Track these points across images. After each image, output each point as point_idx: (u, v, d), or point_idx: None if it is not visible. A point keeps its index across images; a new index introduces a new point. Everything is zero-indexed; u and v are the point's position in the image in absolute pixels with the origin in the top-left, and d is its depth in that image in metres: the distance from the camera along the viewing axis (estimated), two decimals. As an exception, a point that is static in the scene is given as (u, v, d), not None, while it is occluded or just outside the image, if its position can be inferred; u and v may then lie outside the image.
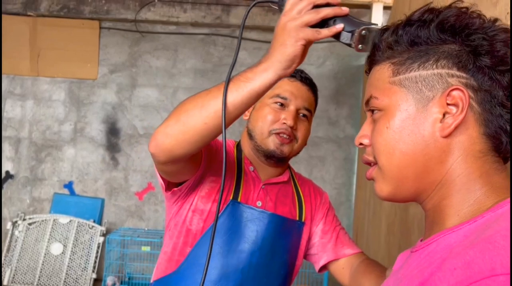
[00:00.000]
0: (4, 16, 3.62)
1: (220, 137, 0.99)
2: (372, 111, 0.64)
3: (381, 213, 2.49)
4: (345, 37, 0.78)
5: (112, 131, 3.84)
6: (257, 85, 0.84)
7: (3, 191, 3.77)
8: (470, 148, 0.57)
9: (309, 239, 1.26)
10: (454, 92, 0.56)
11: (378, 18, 2.95)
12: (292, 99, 1.17)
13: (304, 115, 1.20)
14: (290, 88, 1.18)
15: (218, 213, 0.86)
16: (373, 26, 0.77)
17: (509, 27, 0.59)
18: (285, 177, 1.25)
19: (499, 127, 0.57)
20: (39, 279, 3.48)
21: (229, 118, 0.86)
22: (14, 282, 3.44)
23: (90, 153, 3.83)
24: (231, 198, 1.14)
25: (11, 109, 3.82)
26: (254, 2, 0.87)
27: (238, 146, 1.26)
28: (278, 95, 1.17)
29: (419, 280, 0.52)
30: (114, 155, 3.83)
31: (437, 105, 0.57)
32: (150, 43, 3.85)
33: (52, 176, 3.83)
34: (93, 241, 3.64)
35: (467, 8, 0.60)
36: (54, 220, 3.66)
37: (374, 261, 1.23)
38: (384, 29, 0.64)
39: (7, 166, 3.80)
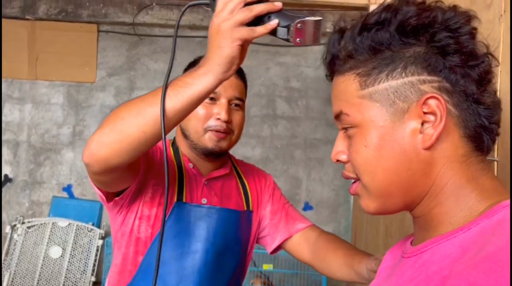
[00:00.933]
0: (2, 20, 3.63)
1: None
2: (345, 128, 0.61)
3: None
4: (281, 32, 0.76)
5: (111, 134, 3.84)
6: (197, 91, 0.80)
7: (1, 195, 3.77)
8: (453, 154, 0.55)
9: (259, 224, 1.25)
10: (430, 101, 0.53)
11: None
12: (222, 92, 1.14)
13: (236, 105, 1.17)
14: None
15: (164, 218, 0.83)
16: (307, 18, 0.75)
17: (469, 10, 0.56)
18: (226, 169, 1.23)
19: (478, 126, 0.55)
20: (38, 283, 3.47)
21: (168, 125, 0.82)
22: None
23: (88, 156, 3.83)
24: (175, 199, 1.11)
25: (9, 113, 3.82)
26: (187, 5, 0.85)
27: (174, 144, 1.22)
28: None
29: None
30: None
31: (413, 116, 0.54)
32: (148, 46, 3.86)
33: (51, 179, 3.83)
34: (92, 244, 3.64)
35: (424, 1, 0.56)
36: (53, 224, 3.66)
37: (332, 234, 1.21)
38: (341, 35, 0.60)
39: (5, 170, 3.80)
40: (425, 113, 0.54)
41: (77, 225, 3.66)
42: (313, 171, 3.78)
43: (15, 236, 3.62)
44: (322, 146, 3.79)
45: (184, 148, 1.20)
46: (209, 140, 1.13)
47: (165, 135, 0.82)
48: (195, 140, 1.15)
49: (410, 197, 0.57)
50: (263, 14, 0.77)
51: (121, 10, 3.71)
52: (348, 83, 0.59)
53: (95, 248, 3.62)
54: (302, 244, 1.21)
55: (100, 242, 3.62)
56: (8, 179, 3.81)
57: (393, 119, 0.55)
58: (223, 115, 1.12)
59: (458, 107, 0.54)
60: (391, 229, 2.12)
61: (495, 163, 0.86)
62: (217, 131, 1.12)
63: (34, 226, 3.66)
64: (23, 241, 3.60)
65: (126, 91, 3.86)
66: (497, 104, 0.57)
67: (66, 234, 3.64)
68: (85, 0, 3.68)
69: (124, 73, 3.86)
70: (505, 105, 0.83)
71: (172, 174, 1.14)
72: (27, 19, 3.75)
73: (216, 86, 0.82)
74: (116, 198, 1.07)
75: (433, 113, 0.53)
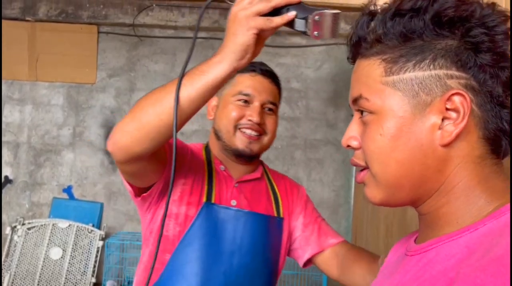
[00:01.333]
0: (2, 21, 3.63)
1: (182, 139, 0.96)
2: (361, 111, 0.59)
3: (379, 215, 2.50)
4: (299, 24, 0.76)
5: (111, 135, 3.84)
6: (211, 78, 0.82)
7: (2, 196, 3.76)
8: (469, 154, 0.53)
9: (290, 234, 1.24)
10: (455, 98, 0.52)
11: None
12: (255, 95, 1.15)
13: (270, 109, 1.18)
14: (252, 84, 1.15)
15: (164, 217, 0.84)
16: (326, 11, 0.74)
17: (507, 11, 0.54)
18: (257, 174, 1.23)
19: (498, 129, 0.53)
20: (38, 284, 3.47)
21: (185, 113, 0.84)
22: (14, 287, 3.44)
23: (89, 157, 3.83)
24: (204, 200, 1.12)
25: (9, 114, 3.83)
26: (209, 1, 0.86)
27: (207, 147, 1.24)
28: (240, 93, 1.15)
29: None
30: (113, 159, 3.82)
31: (435, 111, 0.53)
32: (149, 47, 3.86)
33: (51, 180, 3.83)
34: (92, 245, 3.63)
35: None
36: (53, 225, 3.66)
37: (361, 248, 1.21)
38: (371, 18, 0.58)
39: (5, 171, 3.80)
40: (447, 109, 0.52)
41: (77, 226, 3.66)
42: (313, 172, 3.78)
43: (15, 237, 3.62)
44: (322, 146, 3.79)
45: (216, 150, 1.21)
46: (240, 142, 1.14)
47: (176, 124, 0.83)
48: (227, 141, 1.16)
49: (419, 192, 0.56)
50: (282, 6, 0.77)
51: (121, 11, 3.71)
52: (372, 68, 0.57)
53: (95, 249, 3.61)
54: (332, 259, 1.20)
55: (101, 243, 3.62)
56: (8, 180, 3.81)
57: (414, 111, 0.54)
58: (255, 118, 1.13)
59: (482, 108, 0.53)
60: (392, 229, 2.12)
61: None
62: (248, 129, 1.13)
63: (34, 227, 3.66)
64: (23, 242, 3.60)
65: (126, 92, 3.86)
66: None
67: (67, 235, 3.64)
68: (85, 2, 3.68)
69: (124, 74, 3.86)
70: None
71: (202, 175, 1.15)
72: (27, 20, 3.75)
73: (230, 74, 0.82)
74: (144, 194, 1.08)
75: (456, 110, 0.52)
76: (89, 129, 3.84)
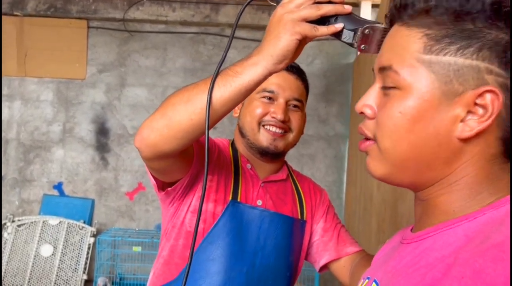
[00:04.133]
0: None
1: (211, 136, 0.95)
2: (387, 87, 0.55)
3: (371, 211, 2.51)
4: (347, 36, 0.73)
5: (102, 131, 3.81)
6: (246, 81, 0.78)
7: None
8: (484, 152, 0.51)
9: (310, 237, 1.22)
10: (487, 95, 0.49)
11: (367, 16, 2.96)
12: (280, 92, 1.13)
13: (295, 106, 1.15)
14: (276, 80, 1.12)
15: (199, 215, 0.81)
16: (377, 25, 0.71)
17: None
18: (283, 174, 1.22)
19: None
20: (29, 281, 3.45)
21: (216, 115, 0.81)
22: (4, 284, 3.40)
23: (79, 153, 3.80)
24: (230, 198, 1.10)
25: (-2, 110, 3.78)
26: (249, 0, 0.81)
27: (233, 144, 1.22)
28: (264, 89, 1.12)
29: (419, 282, 0.48)
30: (104, 155, 3.80)
31: (463, 103, 0.50)
32: (139, 42, 3.82)
33: (41, 177, 3.79)
34: (83, 242, 3.61)
35: None
36: (43, 222, 3.63)
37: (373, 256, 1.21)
38: None
39: (-5, 168, 3.76)
40: (476, 104, 0.50)
41: (68, 223, 3.63)
42: (305, 167, 3.78)
43: (5, 234, 3.58)
44: (314, 142, 3.79)
45: (241, 147, 1.19)
46: (264, 139, 1.12)
47: (208, 126, 0.80)
48: (251, 139, 1.14)
49: (422, 178, 0.54)
50: (330, 15, 0.74)
51: (111, 6, 3.67)
52: (412, 40, 0.53)
53: (86, 246, 3.59)
54: (347, 267, 1.19)
55: (92, 239, 3.60)
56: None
57: (441, 98, 0.51)
58: (280, 115, 1.10)
59: (507, 110, 0.50)
60: (383, 225, 2.12)
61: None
62: (272, 126, 1.11)
63: (24, 224, 3.63)
64: (13, 240, 3.57)
65: (117, 87, 3.82)
66: None
67: (57, 232, 3.61)
68: (74, -4, 3.64)
69: (115, 69, 3.82)
70: None
71: (228, 172, 1.13)
72: (16, 15, 3.70)
73: (265, 78, 0.79)
74: (169, 188, 1.06)
75: (484, 107, 0.49)
76: (80, 125, 3.81)
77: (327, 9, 0.74)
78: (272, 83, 1.13)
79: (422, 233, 0.54)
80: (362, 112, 0.58)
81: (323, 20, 0.75)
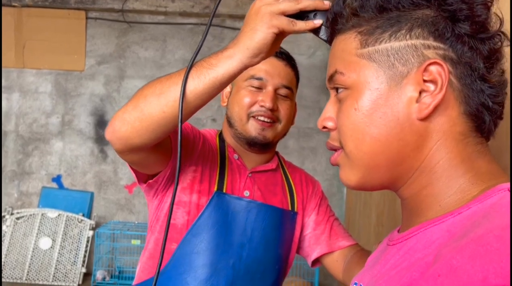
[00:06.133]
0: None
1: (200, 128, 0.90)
2: (337, 89, 0.56)
3: (371, 204, 2.48)
4: (325, 33, 0.71)
5: (101, 123, 3.78)
6: (220, 74, 0.76)
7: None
8: (450, 130, 0.50)
9: (301, 230, 1.19)
10: (432, 67, 0.49)
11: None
12: (268, 79, 1.09)
13: (285, 95, 1.11)
14: (265, 67, 1.09)
15: (172, 207, 0.78)
16: None
17: None
18: (273, 164, 1.18)
19: (480, 104, 0.50)
20: (27, 274, 3.43)
21: (189, 108, 0.78)
22: (3, 277, 3.39)
23: (78, 145, 3.77)
24: (215, 189, 1.07)
25: (-4, 102, 3.75)
26: None
27: (221, 135, 1.18)
28: (252, 77, 1.09)
29: (396, 283, 0.46)
30: (103, 148, 3.78)
31: (412, 83, 0.50)
32: (138, 33, 3.78)
33: (40, 169, 3.77)
34: (82, 235, 3.59)
35: None
36: (42, 214, 3.61)
37: (368, 251, 1.19)
38: None
39: (-7, 160, 3.74)
40: (425, 81, 0.50)
41: (67, 216, 3.61)
42: (307, 161, 3.75)
43: (4, 227, 3.57)
44: (315, 135, 3.75)
45: (229, 138, 1.16)
46: (252, 128, 1.09)
47: (181, 117, 0.77)
48: (239, 129, 1.10)
49: (397, 172, 0.53)
50: (309, 10, 0.73)
51: (109, -3, 3.63)
52: (348, 42, 0.55)
53: (85, 239, 3.57)
54: (340, 261, 1.16)
55: (91, 232, 3.58)
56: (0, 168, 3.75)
57: (390, 83, 0.51)
58: (268, 103, 1.06)
59: (461, 81, 0.50)
60: (382, 218, 2.10)
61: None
62: (261, 116, 1.07)
63: (23, 216, 3.61)
64: (12, 232, 3.55)
65: (116, 79, 3.79)
66: (503, 84, 0.53)
67: (56, 225, 3.59)
68: (72, -14, 3.59)
69: (114, 61, 3.79)
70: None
71: (213, 163, 1.10)
72: (14, 6, 3.66)
73: (240, 71, 0.77)
74: (150, 181, 1.03)
75: (433, 81, 0.50)
76: (78, 117, 3.78)
77: (306, 3, 0.73)
78: (261, 69, 1.09)
79: (406, 233, 0.52)
80: (324, 127, 0.58)
81: (302, 15, 0.74)
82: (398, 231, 0.57)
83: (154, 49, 3.79)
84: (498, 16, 0.52)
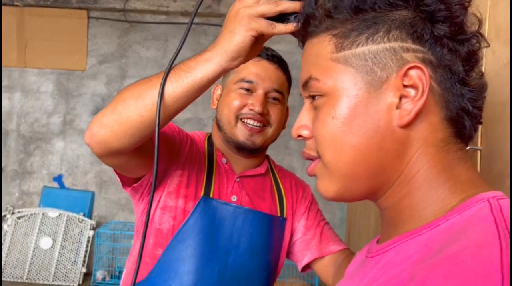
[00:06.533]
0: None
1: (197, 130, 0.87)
2: (313, 96, 0.53)
3: (371, 205, 2.45)
4: None
5: (102, 123, 3.77)
6: (198, 77, 0.75)
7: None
8: (431, 136, 0.48)
9: (291, 236, 1.16)
10: (412, 72, 0.47)
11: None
12: (259, 82, 1.06)
13: (275, 99, 1.09)
14: (256, 70, 1.06)
15: (149, 212, 0.77)
16: None
17: None
18: (262, 169, 1.15)
19: (460, 109, 0.48)
20: (28, 273, 3.43)
21: (168, 111, 0.77)
22: (3, 276, 3.40)
23: (79, 145, 3.77)
24: (202, 194, 1.04)
25: (-2, 101, 3.76)
26: None
27: (210, 138, 1.16)
28: (243, 79, 1.06)
29: None
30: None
31: (392, 88, 0.48)
32: (140, 33, 3.77)
33: (41, 169, 3.77)
34: (83, 235, 3.59)
35: None
36: (43, 214, 3.61)
37: None
38: None
39: (-5, 159, 3.75)
40: (405, 86, 0.47)
41: (67, 216, 3.61)
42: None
43: (5, 226, 3.57)
44: (317, 135, 3.72)
45: (218, 141, 1.13)
46: (241, 134, 1.06)
47: (159, 121, 0.76)
48: (228, 132, 1.08)
49: (377, 182, 0.50)
50: (289, 12, 0.71)
51: (111, -4, 3.62)
52: (322, 45, 0.52)
53: (86, 239, 3.57)
54: (330, 266, 1.13)
55: (91, 232, 3.58)
56: (0, 168, 3.76)
57: (369, 89, 0.48)
58: (258, 107, 1.04)
59: (442, 85, 0.48)
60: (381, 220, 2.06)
61: (478, 152, 0.79)
62: (250, 119, 1.05)
63: (24, 216, 3.61)
64: (13, 232, 3.56)
65: (118, 79, 3.78)
66: (482, 87, 0.51)
67: (57, 225, 3.59)
68: (74, -14, 3.59)
69: (116, 61, 3.78)
70: (491, 90, 0.76)
71: (200, 167, 1.07)
72: (16, 5, 3.67)
73: (219, 75, 0.76)
74: (135, 184, 1.01)
75: (414, 86, 0.47)
76: (80, 117, 3.77)
77: (286, 5, 0.70)
78: (251, 73, 1.06)
79: (385, 245, 0.50)
80: (299, 136, 0.55)
81: (282, 18, 0.71)
82: (378, 241, 0.55)
83: (155, 49, 3.78)
84: (477, 17, 0.50)
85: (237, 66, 0.75)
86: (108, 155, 0.85)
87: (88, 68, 3.77)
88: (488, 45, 0.51)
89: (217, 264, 1.03)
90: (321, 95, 0.52)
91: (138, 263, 0.77)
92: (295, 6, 0.70)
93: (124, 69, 3.78)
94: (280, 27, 0.70)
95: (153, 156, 0.95)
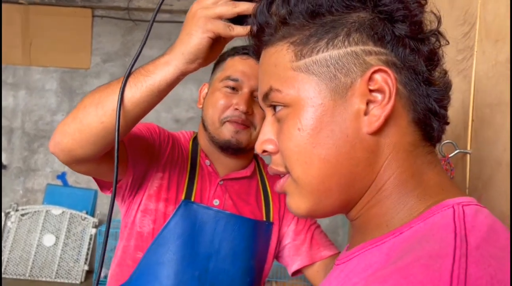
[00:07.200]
0: (-5, 4, 3.56)
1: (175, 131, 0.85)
2: (274, 107, 0.50)
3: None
4: None
5: (106, 121, 3.78)
6: (157, 81, 0.73)
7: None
8: (400, 141, 0.46)
9: (280, 241, 1.13)
10: (377, 75, 0.45)
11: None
12: (244, 81, 1.03)
13: None
14: (242, 68, 1.03)
15: (110, 215, 0.76)
16: None
17: None
18: (247, 171, 1.12)
19: (427, 110, 0.46)
20: (31, 271, 3.45)
21: (129, 117, 0.75)
22: (6, 273, 3.42)
23: (83, 143, 3.77)
24: (183, 197, 1.02)
25: (3, 99, 3.78)
26: None
27: (196, 138, 1.13)
28: (228, 78, 1.04)
29: None
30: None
31: (357, 94, 0.46)
32: (144, 32, 3.73)
33: (45, 166, 3.79)
34: (85, 233, 3.60)
35: None
36: (46, 211, 3.62)
37: None
38: (271, 1, 0.50)
39: None
40: (371, 91, 0.46)
41: (70, 213, 3.62)
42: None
43: (8, 223, 3.59)
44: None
45: (204, 141, 1.10)
46: (226, 131, 1.03)
47: (119, 127, 0.74)
48: (212, 132, 1.05)
49: (349, 194, 0.48)
50: (248, 14, 0.69)
51: (115, -5, 3.62)
52: (280, 54, 0.49)
53: (88, 237, 3.58)
54: (320, 272, 1.10)
55: (94, 230, 3.58)
56: (2, 166, 3.77)
57: (334, 97, 0.46)
58: (242, 106, 1.01)
59: (407, 87, 0.46)
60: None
61: (468, 155, 0.77)
62: (234, 122, 1.02)
63: (28, 213, 3.63)
64: (16, 229, 3.58)
65: (121, 78, 3.78)
66: (447, 86, 0.49)
67: (60, 222, 3.61)
68: (78, -16, 3.60)
69: (119, 59, 3.78)
70: (481, 92, 0.74)
71: (182, 169, 1.05)
72: (21, 3, 3.68)
73: (177, 78, 0.74)
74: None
75: (380, 90, 0.45)
76: (84, 115, 3.78)
77: (244, 7, 0.68)
78: (237, 71, 1.04)
79: (350, 253, 0.48)
80: (264, 151, 0.52)
81: (241, 20, 0.69)
82: (347, 248, 0.53)
83: (159, 47, 3.76)
84: (435, 15, 0.48)
85: (196, 69, 0.74)
86: (75, 163, 0.83)
87: (92, 66, 3.78)
88: (448, 43, 0.49)
89: (197, 269, 1.01)
90: (284, 106, 0.49)
91: (101, 261, 0.76)
92: (254, 8, 0.68)
93: (127, 67, 3.78)
94: (238, 29, 0.69)
95: (126, 161, 0.94)
